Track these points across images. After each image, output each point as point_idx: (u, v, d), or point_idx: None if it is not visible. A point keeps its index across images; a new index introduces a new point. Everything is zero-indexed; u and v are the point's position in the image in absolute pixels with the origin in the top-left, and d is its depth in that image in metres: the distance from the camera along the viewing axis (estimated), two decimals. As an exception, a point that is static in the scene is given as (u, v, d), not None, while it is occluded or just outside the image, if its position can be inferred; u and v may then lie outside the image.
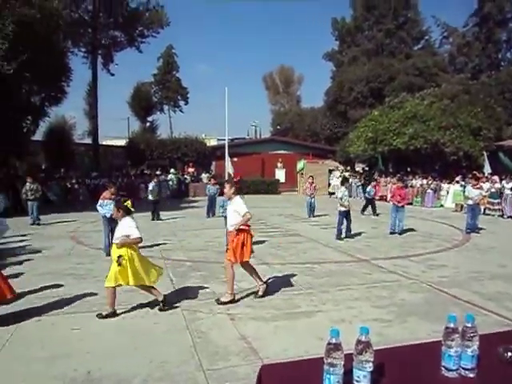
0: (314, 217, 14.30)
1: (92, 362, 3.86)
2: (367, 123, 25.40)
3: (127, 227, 5.08)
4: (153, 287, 5.28)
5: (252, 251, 5.90)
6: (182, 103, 47.29)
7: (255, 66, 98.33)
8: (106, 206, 8.32)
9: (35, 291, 5.99)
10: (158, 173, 26.31)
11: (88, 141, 30.95)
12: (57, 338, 4.41)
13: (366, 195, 15.92)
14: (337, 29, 40.00)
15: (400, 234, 11.04)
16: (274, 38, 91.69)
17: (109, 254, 7.75)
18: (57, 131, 26.88)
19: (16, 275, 6.95)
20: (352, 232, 10.81)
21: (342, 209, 10.45)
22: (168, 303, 5.33)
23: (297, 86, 55.74)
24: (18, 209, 15.24)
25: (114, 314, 5.04)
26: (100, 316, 4.98)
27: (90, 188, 22.76)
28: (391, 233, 11.18)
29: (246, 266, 5.80)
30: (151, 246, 9.25)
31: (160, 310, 5.23)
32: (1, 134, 18.17)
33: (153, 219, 13.60)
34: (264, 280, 5.97)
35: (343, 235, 10.48)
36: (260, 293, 5.77)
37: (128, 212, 5.23)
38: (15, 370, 3.70)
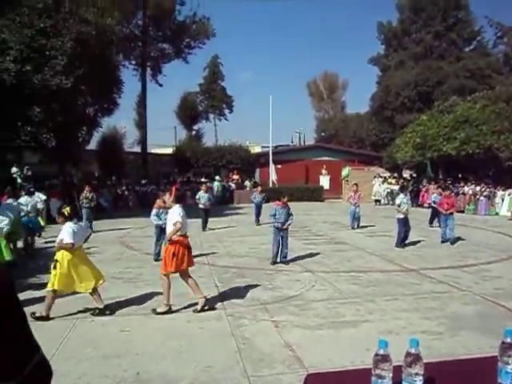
0: (358, 227, 13.41)
1: (140, 363, 3.99)
2: (415, 128, 24.64)
3: (63, 232, 5.23)
4: (95, 293, 5.37)
5: (187, 264, 5.49)
6: (226, 111, 48.11)
7: (299, 72, 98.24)
8: (161, 215, 8.31)
9: (86, 294, 6.26)
10: (202, 180, 26.92)
11: (137, 149, 32.15)
12: (107, 339, 4.59)
13: (431, 203, 14.28)
14: (383, 33, 39.22)
15: (452, 243, 10.56)
16: (318, 43, 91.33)
17: (157, 260, 8.26)
18: (109, 141, 28.16)
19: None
20: (385, 240, 10.56)
21: (401, 216, 10.21)
22: (169, 311, 5.38)
23: (341, 91, 55.09)
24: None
25: (46, 318, 5.10)
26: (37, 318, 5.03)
27: (139, 195, 23.61)
28: (442, 241, 10.76)
29: (184, 276, 5.53)
30: (199, 256, 9.42)
31: (92, 314, 5.31)
32: (59, 145, 19.32)
33: (203, 229, 13.17)
34: (204, 294, 5.63)
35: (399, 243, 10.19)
36: (199, 307, 5.48)
37: (67, 218, 5.37)
38: (70, 368, 3.89)
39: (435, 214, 13.21)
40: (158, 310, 5.41)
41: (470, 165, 22.53)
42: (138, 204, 22.71)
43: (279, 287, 6.67)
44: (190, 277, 5.55)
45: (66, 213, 5.42)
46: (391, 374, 1.40)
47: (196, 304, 5.54)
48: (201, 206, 13.32)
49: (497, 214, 17.94)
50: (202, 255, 9.28)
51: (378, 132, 34.52)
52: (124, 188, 23.28)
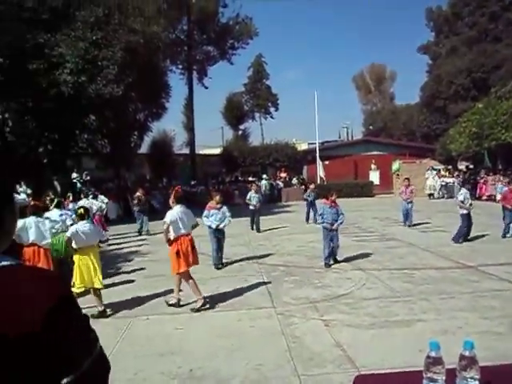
0: (411, 226, 12.38)
1: (193, 360, 4.11)
2: (470, 117, 23.39)
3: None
4: (98, 295, 5.57)
5: (189, 262, 5.64)
6: (272, 110, 48.15)
7: (344, 66, 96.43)
8: (211, 217, 8.00)
9: (143, 292, 6.54)
10: (250, 178, 27.13)
11: (186, 151, 32.97)
12: (162, 337, 4.77)
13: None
14: (432, 19, 37.58)
15: None
16: (363, 36, 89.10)
17: (218, 267, 8.05)
18: (159, 144, 29.13)
19: (127, 278, 7.67)
20: (440, 236, 10.02)
21: (464, 211, 9.76)
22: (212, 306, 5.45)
23: (389, 83, 53.45)
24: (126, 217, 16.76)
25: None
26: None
27: (189, 195, 24.21)
28: (503, 236, 10.08)
29: (185, 276, 5.67)
30: (247, 254, 9.53)
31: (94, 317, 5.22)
32: (113, 150, 20.29)
33: (252, 228, 13.05)
34: (203, 295, 5.72)
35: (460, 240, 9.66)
36: (197, 305, 5.57)
37: (79, 218, 5.77)
38: (127, 364, 4.08)
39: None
40: (170, 302, 5.79)
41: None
42: (189, 204, 23.26)
43: (329, 285, 6.61)
44: (190, 278, 5.70)
45: (79, 213, 5.86)
46: (444, 377, 1.36)
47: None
48: (251, 207, 12.92)
49: None
50: (250, 254, 9.38)
51: (429, 123, 33.14)
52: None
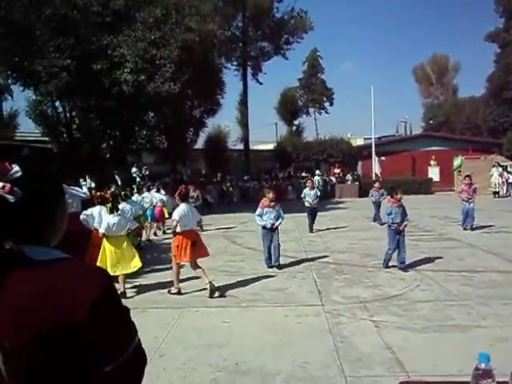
0: (471, 229, 11.12)
1: (240, 354, 4.17)
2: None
3: None
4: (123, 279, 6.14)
5: (190, 255, 6.06)
6: (327, 104, 47.35)
7: (402, 59, 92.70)
8: (265, 215, 7.60)
9: (193, 285, 6.72)
10: (303, 174, 26.94)
11: (240, 147, 33.36)
12: (210, 329, 4.88)
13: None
14: (502, 3, 35.02)
15: None
16: (424, 25, 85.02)
17: (271, 266, 7.63)
18: (214, 139, 29.72)
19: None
20: (503, 237, 9.35)
21: None
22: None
23: (452, 74, 50.67)
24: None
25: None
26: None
27: (243, 190, 24.54)
28: None
29: (194, 265, 6.20)
30: (299, 253, 9.49)
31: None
32: (170, 145, 21.01)
33: (311, 230, 11.95)
34: (209, 280, 6.11)
35: None
36: (208, 292, 6.00)
37: (99, 203, 6.73)
38: (178, 353, 4.23)
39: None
40: (172, 291, 6.23)
41: None
42: (242, 199, 23.63)
43: (381, 285, 6.42)
44: (198, 266, 6.19)
45: (98, 199, 6.63)
46: (493, 391, 1.28)
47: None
48: (307, 204, 11.96)
49: None
50: (301, 250, 9.33)
51: (496, 116, 31.08)
52: (228, 184, 24.41)
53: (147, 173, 20.53)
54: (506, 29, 35.11)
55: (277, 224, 7.64)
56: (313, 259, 8.45)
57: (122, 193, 9.46)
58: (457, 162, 24.05)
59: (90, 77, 15.59)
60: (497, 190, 21.67)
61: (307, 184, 12.70)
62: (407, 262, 7.42)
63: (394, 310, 5.31)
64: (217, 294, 6.06)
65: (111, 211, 6.25)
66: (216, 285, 6.22)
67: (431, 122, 42.50)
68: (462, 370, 3.52)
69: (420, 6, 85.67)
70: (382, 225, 11.32)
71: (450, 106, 40.83)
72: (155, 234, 12.70)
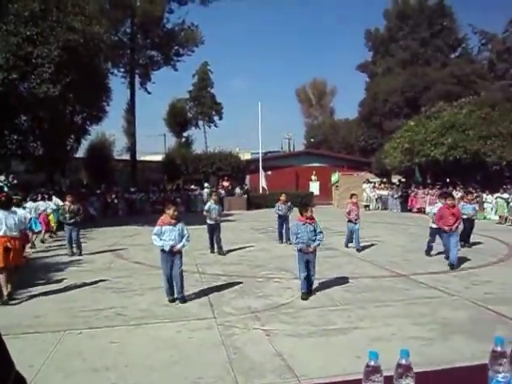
0: (359, 250, 10.45)
1: (130, 375, 3.92)
2: (403, 134, 24.90)
3: None
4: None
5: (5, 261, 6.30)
6: (216, 118, 48.16)
7: (289, 78, 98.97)
8: (164, 235, 6.14)
9: (76, 304, 6.18)
10: (192, 187, 26.78)
11: (127, 157, 31.94)
12: (97, 351, 4.51)
13: (465, 216, 10.59)
14: (370, 40, 39.72)
15: (452, 267, 8.31)
16: (306, 50, 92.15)
17: (172, 301, 6.22)
18: (97, 148, 27.94)
19: (59, 288, 7.22)
20: (375, 245, 10.51)
21: (433, 225, 9.46)
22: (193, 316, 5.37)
23: (330, 98, 55.56)
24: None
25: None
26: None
27: (129, 203, 23.46)
28: (451, 267, 8.31)
29: (5, 273, 6.41)
30: (189, 266, 9.33)
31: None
32: (47, 153, 19.13)
33: (212, 251, 10.45)
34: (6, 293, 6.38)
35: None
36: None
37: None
38: (59, 381, 3.81)
39: (470, 228, 11.17)
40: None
41: (458, 170, 22.79)
42: (128, 212, 22.57)
43: (270, 295, 6.64)
44: (1, 274, 6.37)
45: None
46: (382, 386, 1.39)
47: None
48: (210, 221, 10.46)
49: (485, 218, 18.13)
50: (190, 263, 9.21)
51: (366, 138, 34.83)
52: (114, 196, 23.11)
53: (15, 182, 18.37)
54: (374, 62, 39.86)
55: (179, 246, 6.21)
56: (203, 272, 8.41)
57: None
58: (334, 177, 26.30)
59: None
60: (368, 203, 24.20)
61: (213, 197, 11.07)
62: (293, 271, 7.79)
63: (283, 318, 5.53)
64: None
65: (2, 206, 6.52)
66: (101, 303, 5.80)
67: (312, 140, 45.92)
68: (345, 370, 3.82)
69: (305, 31, 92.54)
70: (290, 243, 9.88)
71: (327, 127, 44.61)
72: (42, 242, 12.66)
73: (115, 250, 11.41)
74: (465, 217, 10.49)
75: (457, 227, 8.59)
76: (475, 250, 10.51)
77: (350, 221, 10.60)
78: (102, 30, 17.63)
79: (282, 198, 12.41)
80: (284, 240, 11.86)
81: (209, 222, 10.54)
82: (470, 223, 11.09)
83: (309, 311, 5.79)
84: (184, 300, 6.26)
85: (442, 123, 22.91)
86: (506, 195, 17.12)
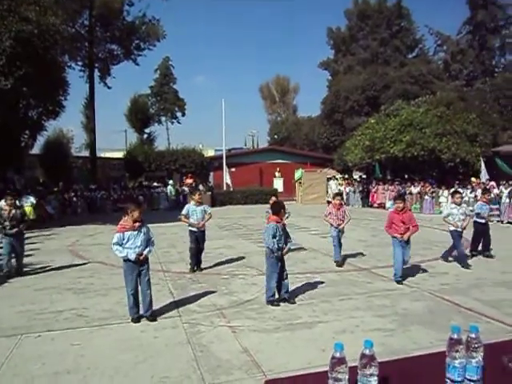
0: (337, 262, 8.62)
1: (93, 378, 3.82)
2: (364, 131, 25.52)
3: None
4: None
5: None
6: (179, 114, 47.53)
7: (253, 75, 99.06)
8: (128, 242, 5.32)
9: (33, 307, 5.94)
10: (155, 184, 26.30)
11: (86, 154, 30.99)
12: (57, 354, 4.36)
13: (475, 217, 9.42)
14: (332, 38, 40.42)
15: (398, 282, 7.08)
16: (270, 47, 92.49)
17: (137, 320, 5.35)
18: (54, 145, 26.91)
19: (14, 291, 6.91)
20: (347, 242, 10.76)
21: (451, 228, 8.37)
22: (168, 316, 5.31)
23: (293, 95, 56.13)
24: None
25: None
26: None
27: (89, 201, 22.76)
28: (398, 282, 7.05)
29: None
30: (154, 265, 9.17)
31: None
32: (-1, 149, 18.20)
33: (193, 269, 8.17)
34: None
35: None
36: None
37: None
38: (15, 388, 3.66)
39: (482, 233, 9.29)
40: None
41: (416, 166, 23.64)
42: (87, 211, 21.90)
43: (235, 291, 6.65)
44: None
45: None
46: (347, 376, 1.42)
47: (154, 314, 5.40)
48: (193, 228, 8.22)
49: (441, 212, 18.85)
50: (155, 261, 9.06)
51: (329, 135, 35.43)
52: (72, 194, 22.34)
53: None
54: (336, 60, 40.59)
55: (145, 253, 5.41)
56: (168, 270, 8.30)
57: None
58: (298, 174, 26.61)
59: None
60: (331, 200, 24.65)
61: (195, 197, 8.47)
62: (257, 267, 7.83)
63: (249, 314, 5.55)
64: None
65: None
66: (60, 304, 5.60)
67: (276, 137, 46.23)
68: (311, 363, 3.89)
69: (266, 26, 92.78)
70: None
71: (291, 124, 45.04)
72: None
73: (75, 249, 11.06)
74: (483, 221, 9.29)
75: (409, 236, 7.18)
76: (432, 243, 10.95)
77: (332, 226, 8.67)
78: (57, 21, 16.93)
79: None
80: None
81: (191, 228, 8.22)
82: (487, 228, 9.36)
83: (274, 306, 5.84)
84: (154, 318, 5.40)
85: (400, 121, 23.67)
86: (459, 190, 17.90)
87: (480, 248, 9.28)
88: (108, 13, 28.41)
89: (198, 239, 8.27)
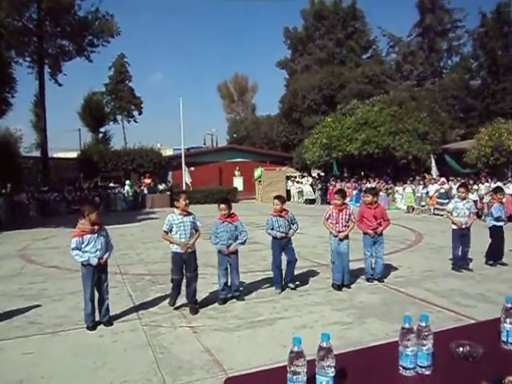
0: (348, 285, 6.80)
1: (47, 387, 3.67)
2: (321, 130, 26.01)
3: None
4: None
5: None
6: (135, 113, 46.44)
7: (211, 74, 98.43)
8: (88, 246, 5.06)
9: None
10: (112, 184, 25.58)
11: (37, 154, 29.63)
12: (8, 365, 4.16)
13: (489, 220, 8.15)
14: (289, 38, 40.83)
15: (379, 279, 6.86)
16: (228, 46, 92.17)
17: (93, 328, 5.09)
18: (1, 144, 25.54)
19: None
20: (297, 237, 10.92)
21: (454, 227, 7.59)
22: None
23: (251, 94, 56.25)
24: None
25: None
26: None
27: (41, 203, 21.81)
28: (368, 279, 6.90)
29: None
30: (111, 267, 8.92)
31: None
32: None
33: (174, 302, 5.85)
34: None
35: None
36: None
37: None
38: (-38, 402, 3.46)
39: (498, 239, 7.86)
40: None
41: (371, 163, 24.38)
42: (40, 213, 20.98)
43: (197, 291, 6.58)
44: None
45: None
46: (305, 369, 1.45)
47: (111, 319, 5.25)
48: (177, 249, 5.82)
49: (397, 208, 19.59)
50: (112, 264, 8.82)
51: (287, 133, 35.81)
52: (24, 195, 21.31)
53: None
54: (293, 59, 41.07)
55: (106, 257, 5.23)
56: (126, 272, 8.11)
57: None
58: (257, 172, 26.74)
59: None
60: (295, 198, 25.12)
61: (180, 203, 6.03)
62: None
63: (211, 314, 5.53)
64: None
65: None
66: (11, 312, 5.32)
67: (235, 135, 46.20)
68: (272, 359, 3.93)
69: (224, 26, 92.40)
70: None
71: (250, 123, 45.13)
72: None
73: (26, 254, 10.56)
74: (498, 224, 7.92)
75: (381, 231, 6.90)
76: (386, 238, 11.29)
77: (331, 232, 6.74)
78: (2, 13, 16.09)
79: (277, 205, 6.90)
80: (290, 284, 6.78)
81: (175, 250, 5.84)
82: (502, 232, 7.96)
83: (235, 305, 5.86)
84: (111, 323, 5.23)
85: (356, 120, 24.32)
86: (412, 186, 18.67)
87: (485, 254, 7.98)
88: (58, 6, 27.23)
89: (187, 265, 5.78)
